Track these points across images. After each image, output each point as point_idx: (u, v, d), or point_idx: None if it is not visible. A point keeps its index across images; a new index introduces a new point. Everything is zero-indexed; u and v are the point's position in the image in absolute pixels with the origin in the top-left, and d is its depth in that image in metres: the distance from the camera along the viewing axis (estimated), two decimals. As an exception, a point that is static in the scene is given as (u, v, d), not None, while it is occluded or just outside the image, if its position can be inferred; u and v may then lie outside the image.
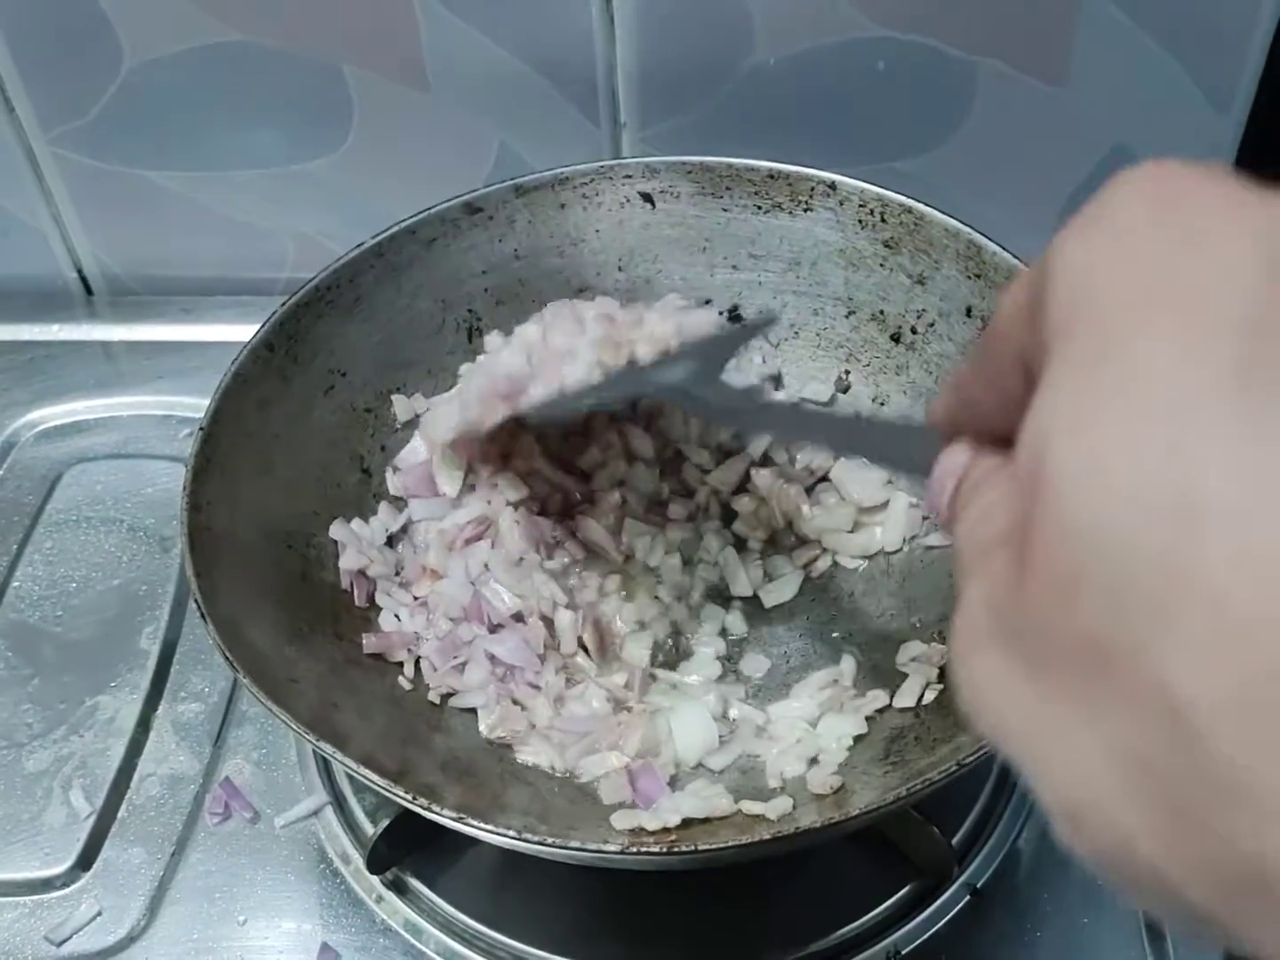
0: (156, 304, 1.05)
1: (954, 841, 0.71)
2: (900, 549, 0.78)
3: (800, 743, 0.70)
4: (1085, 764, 0.26)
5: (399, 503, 0.80)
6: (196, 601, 0.62)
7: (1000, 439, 0.34)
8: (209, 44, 0.91)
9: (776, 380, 0.85)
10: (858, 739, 0.70)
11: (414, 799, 0.56)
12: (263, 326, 0.74)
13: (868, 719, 0.70)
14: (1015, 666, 0.28)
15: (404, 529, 0.79)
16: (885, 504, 0.79)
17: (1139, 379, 0.26)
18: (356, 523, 0.77)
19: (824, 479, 0.81)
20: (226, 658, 0.60)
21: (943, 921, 0.69)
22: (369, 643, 0.73)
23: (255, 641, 0.64)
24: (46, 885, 0.73)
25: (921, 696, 0.70)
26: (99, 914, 0.71)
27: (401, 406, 0.81)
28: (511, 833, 0.54)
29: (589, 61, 0.90)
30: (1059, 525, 0.26)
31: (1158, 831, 0.25)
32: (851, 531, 0.79)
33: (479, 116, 0.94)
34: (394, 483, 0.80)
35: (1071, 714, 0.27)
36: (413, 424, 0.82)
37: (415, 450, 0.81)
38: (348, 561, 0.75)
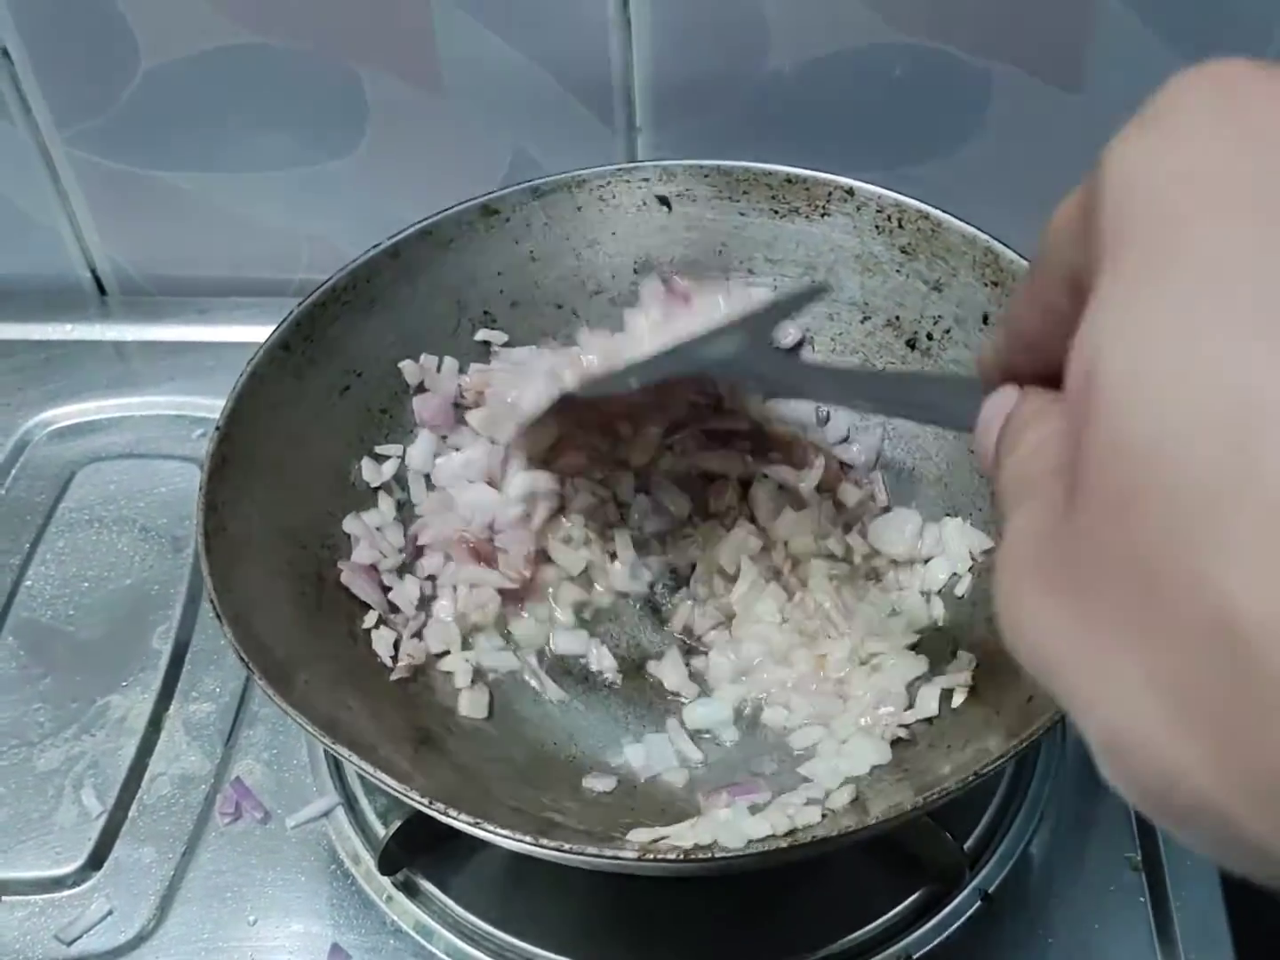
0: (170, 304, 1.05)
1: (966, 846, 0.70)
2: (974, 564, 0.77)
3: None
4: (1131, 696, 0.25)
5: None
6: (212, 602, 0.62)
7: (1052, 380, 0.32)
8: (225, 46, 0.92)
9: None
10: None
11: (430, 803, 0.55)
12: (279, 326, 0.74)
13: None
14: (1061, 597, 0.27)
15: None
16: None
17: (1192, 282, 0.25)
18: (368, 515, 0.78)
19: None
20: (242, 658, 0.60)
21: (954, 926, 0.69)
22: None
23: (270, 642, 0.64)
24: (57, 884, 0.73)
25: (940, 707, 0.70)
26: (109, 913, 0.71)
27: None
28: (528, 839, 0.54)
29: (604, 66, 0.90)
30: (1111, 438, 0.25)
31: (1208, 763, 0.24)
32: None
33: (494, 120, 0.94)
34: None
35: (1119, 643, 0.25)
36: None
37: (446, 380, 0.82)
38: (360, 555, 0.75)
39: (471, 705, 0.74)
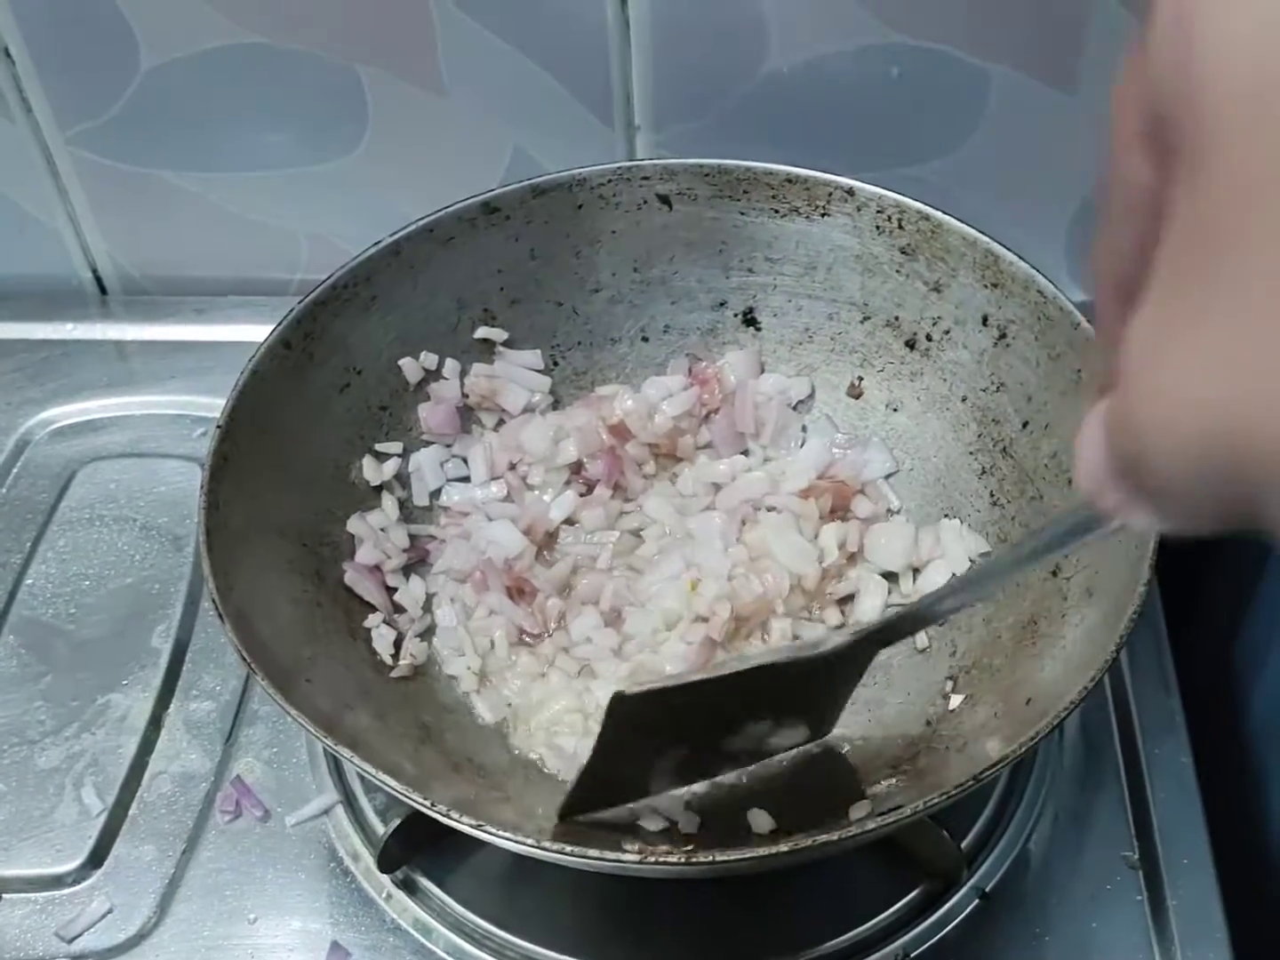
0: (170, 304, 1.05)
1: (963, 845, 0.71)
2: (971, 566, 0.77)
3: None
4: None
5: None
6: (214, 600, 0.62)
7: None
8: (226, 45, 0.92)
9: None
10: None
11: (432, 805, 0.56)
12: (280, 324, 0.74)
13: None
14: (1210, 336, 0.26)
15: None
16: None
17: None
18: (372, 515, 0.78)
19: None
20: (244, 658, 0.60)
21: (951, 925, 0.69)
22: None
23: (270, 641, 0.64)
24: (58, 882, 0.73)
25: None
26: (110, 911, 0.71)
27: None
28: (530, 840, 0.55)
29: (604, 65, 0.90)
30: (1224, 86, 0.25)
31: None
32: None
33: (493, 119, 0.94)
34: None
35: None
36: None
37: (451, 386, 0.82)
38: (364, 556, 0.75)
39: (490, 709, 0.74)
